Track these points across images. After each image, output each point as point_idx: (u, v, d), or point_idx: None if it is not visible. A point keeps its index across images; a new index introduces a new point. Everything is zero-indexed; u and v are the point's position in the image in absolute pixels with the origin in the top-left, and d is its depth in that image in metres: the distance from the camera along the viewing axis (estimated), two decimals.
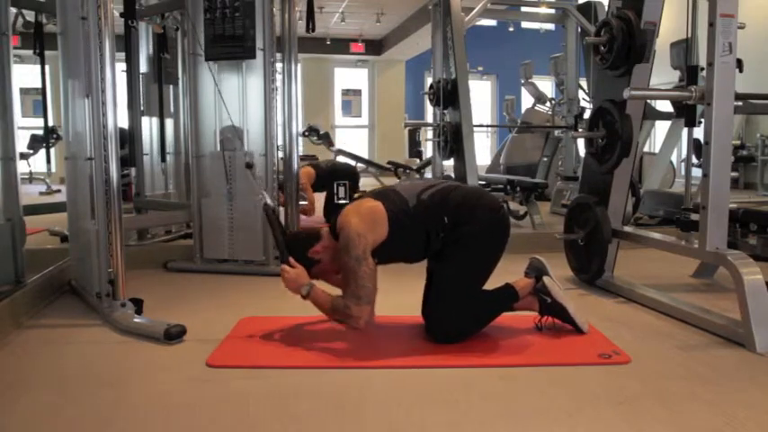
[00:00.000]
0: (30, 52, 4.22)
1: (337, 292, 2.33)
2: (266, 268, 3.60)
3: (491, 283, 2.44)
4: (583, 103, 6.38)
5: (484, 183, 5.69)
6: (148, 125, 4.56)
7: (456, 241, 2.35)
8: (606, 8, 3.89)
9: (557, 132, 7.02)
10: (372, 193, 2.45)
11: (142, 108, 4.37)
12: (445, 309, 2.35)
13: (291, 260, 2.33)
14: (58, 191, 8.43)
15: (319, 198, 5.63)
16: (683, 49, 4.19)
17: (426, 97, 5.65)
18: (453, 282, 2.36)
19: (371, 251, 2.24)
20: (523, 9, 6.77)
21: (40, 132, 7.15)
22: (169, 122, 4.61)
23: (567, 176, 6.27)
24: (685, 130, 2.97)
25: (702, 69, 2.68)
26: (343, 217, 2.30)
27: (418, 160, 8.44)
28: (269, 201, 2.63)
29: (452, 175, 5.43)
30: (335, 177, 5.32)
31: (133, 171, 4.55)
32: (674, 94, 3.20)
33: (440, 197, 2.39)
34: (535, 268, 2.55)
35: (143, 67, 4.46)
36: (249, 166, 2.85)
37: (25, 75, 5.59)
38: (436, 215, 2.35)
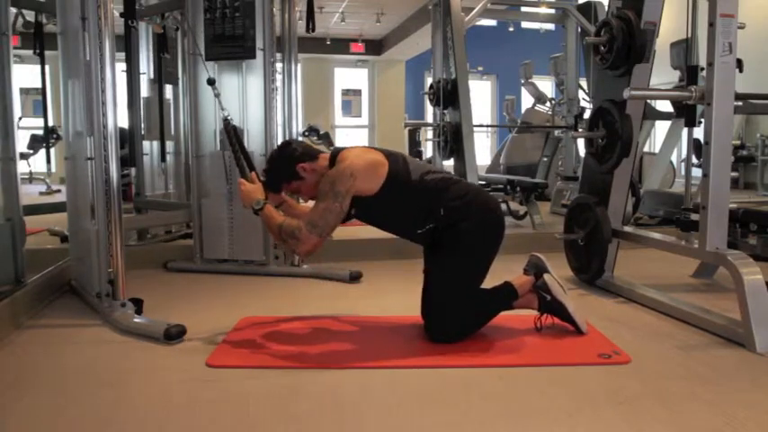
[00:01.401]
0: (30, 52, 4.22)
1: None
2: (266, 268, 3.60)
3: (491, 282, 2.44)
4: (583, 103, 6.37)
5: (484, 183, 5.69)
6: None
7: (451, 238, 2.34)
8: (606, 8, 3.89)
9: (557, 132, 7.01)
10: (384, 150, 2.43)
11: (143, 133, 4.37)
12: (444, 308, 2.35)
13: (252, 175, 2.40)
14: (58, 191, 8.43)
15: None
16: (683, 49, 4.20)
17: (426, 97, 5.65)
18: (451, 281, 2.36)
19: (354, 198, 2.24)
20: (523, 9, 6.76)
21: (40, 132, 7.14)
22: (170, 141, 4.63)
23: (567, 176, 6.27)
24: (685, 130, 2.97)
25: (702, 69, 2.68)
26: (347, 152, 2.31)
27: (418, 160, 8.47)
28: (228, 115, 2.68)
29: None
30: None
31: (133, 171, 4.55)
32: (674, 94, 3.20)
33: (442, 186, 2.37)
34: (534, 265, 2.55)
35: (143, 66, 4.45)
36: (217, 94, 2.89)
37: (25, 75, 5.59)
38: (433, 202, 2.34)
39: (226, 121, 2.64)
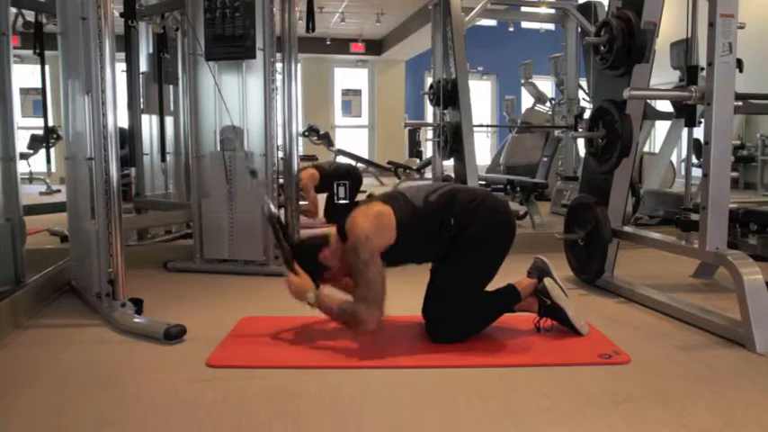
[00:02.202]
0: (30, 52, 4.21)
1: (348, 297, 2.32)
2: (266, 268, 3.60)
3: (493, 283, 2.44)
4: (583, 103, 6.37)
5: (484, 183, 5.69)
6: (148, 125, 4.56)
7: (461, 243, 2.34)
8: (606, 8, 3.89)
9: (557, 132, 7.01)
10: (380, 196, 2.45)
11: (142, 107, 4.36)
12: (446, 309, 2.35)
13: (297, 267, 2.32)
14: (58, 191, 8.43)
15: (322, 199, 5.62)
16: (683, 49, 4.19)
17: (426, 97, 5.65)
18: (455, 282, 2.37)
19: (381, 254, 2.24)
20: (523, 9, 6.77)
21: (40, 132, 7.14)
22: (169, 121, 4.61)
23: (567, 176, 6.27)
24: (685, 130, 2.96)
25: (702, 69, 2.68)
26: (352, 220, 2.29)
27: (418, 160, 8.44)
28: (273, 209, 2.60)
29: (452, 175, 5.43)
30: (339, 178, 5.31)
31: (133, 171, 4.55)
32: (674, 94, 3.21)
33: (447, 199, 2.38)
34: (538, 268, 2.55)
35: (143, 66, 4.45)
36: (253, 174, 2.83)
37: (25, 75, 5.58)
38: (444, 217, 2.35)
39: (270, 216, 2.53)
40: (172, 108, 4.67)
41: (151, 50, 4.48)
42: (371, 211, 2.32)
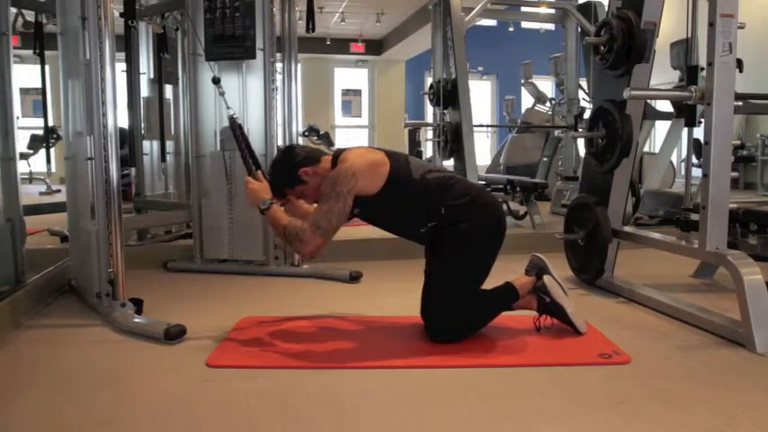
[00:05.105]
0: (30, 52, 4.22)
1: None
2: (266, 268, 3.60)
3: (491, 282, 2.44)
4: (583, 103, 6.37)
5: (484, 183, 5.68)
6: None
7: (452, 238, 2.34)
8: (606, 8, 3.89)
9: (557, 132, 7.01)
10: (386, 150, 2.44)
11: (143, 132, 4.37)
12: (444, 308, 2.35)
13: (259, 174, 2.38)
14: (58, 191, 8.42)
15: None
16: (683, 49, 4.19)
17: (426, 97, 5.65)
18: (451, 281, 2.36)
19: (357, 198, 2.25)
20: (523, 9, 6.77)
21: (40, 132, 7.14)
22: (170, 141, 4.62)
23: (567, 176, 6.27)
24: (685, 130, 2.97)
25: (702, 69, 2.68)
26: (348, 152, 2.31)
27: (420, 160, 8.46)
28: (234, 113, 2.66)
29: None
30: None
31: (133, 171, 4.54)
32: (674, 94, 3.21)
33: (443, 185, 2.37)
34: (536, 266, 2.55)
35: (143, 67, 4.45)
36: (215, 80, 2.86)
37: (25, 75, 5.57)
38: (434, 200, 2.34)
39: (231, 120, 2.62)
40: (173, 132, 4.68)
41: (151, 50, 4.49)
42: (370, 155, 2.34)
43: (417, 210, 2.36)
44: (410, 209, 2.36)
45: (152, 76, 4.51)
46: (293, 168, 2.36)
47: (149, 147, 4.56)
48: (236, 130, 2.59)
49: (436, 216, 2.34)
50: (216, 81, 2.82)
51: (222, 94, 2.80)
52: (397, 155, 2.42)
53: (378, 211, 2.38)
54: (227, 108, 2.73)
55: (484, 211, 2.39)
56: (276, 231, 2.33)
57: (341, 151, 2.37)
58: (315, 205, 2.39)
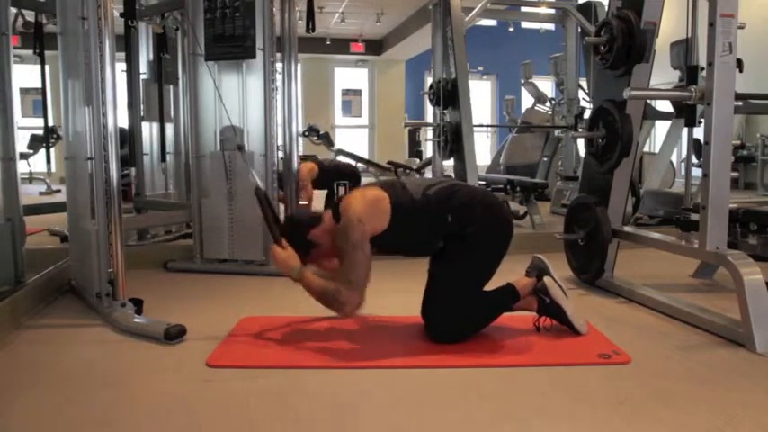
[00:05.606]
0: (30, 52, 4.21)
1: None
2: (266, 268, 3.60)
3: (492, 283, 2.44)
4: (583, 103, 6.38)
5: (484, 183, 5.69)
6: (148, 125, 4.55)
7: (459, 242, 2.34)
8: (606, 8, 3.89)
9: (557, 132, 7.01)
10: (380, 182, 2.45)
11: (142, 114, 4.36)
12: (445, 309, 2.35)
13: (283, 242, 2.33)
14: (58, 191, 8.43)
15: (319, 196, 5.61)
16: (683, 49, 4.19)
17: (426, 97, 5.65)
18: (453, 282, 2.36)
19: (370, 239, 2.24)
20: (523, 9, 6.77)
21: (40, 132, 7.14)
22: (169, 124, 4.61)
23: (567, 176, 6.27)
24: (685, 130, 2.97)
25: (702, 69, 2.68)
26: (347, 201, 2.29)
27: (418, 160, 8.44)
28: (260, 184, 2.63)
29: (452, 175, 5.43)
30: (338, 177, 5.31)
31: (133, 171, 4.54)
32: (674, 94, 3.21)
33: (445, 195, 2.38)
34: (537, 267, 2.55)
35: (143, 67, 4.45)
36: (240, 148, 2.84)
37: (25, 75, 5.57)
38: (440, 212, 2.35)
39: (258, 190, 2.54)
40: (172, 114, 4.67)
41: (151, 51, 4.49)
42: (367, 195, 2.32)
43: (428, 227, 2.36)
44: (422, 229, 2.36)
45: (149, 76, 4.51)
46: (303, 235, 2.35)
47: (149, 147, 4.56)
48: (262, 201, 2.50)
49: (445, 226, 2.35)
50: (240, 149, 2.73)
51: (246, 160, 2.75)
52: (392, 184, 2.43)
53: (394, 242, 2.38)
54: (254, 179, 2.66)
55: (489, 213, 2.40)
56: (314, 297, 2.30)
57: (338, 203, 2.35)
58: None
